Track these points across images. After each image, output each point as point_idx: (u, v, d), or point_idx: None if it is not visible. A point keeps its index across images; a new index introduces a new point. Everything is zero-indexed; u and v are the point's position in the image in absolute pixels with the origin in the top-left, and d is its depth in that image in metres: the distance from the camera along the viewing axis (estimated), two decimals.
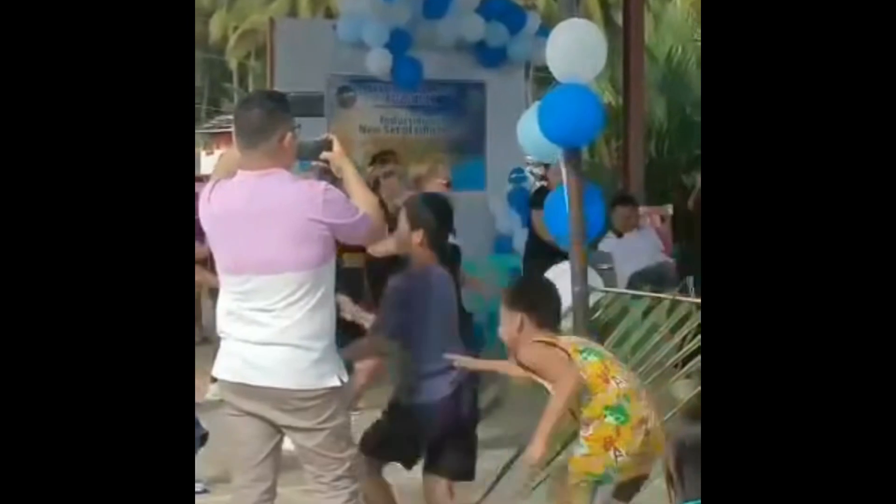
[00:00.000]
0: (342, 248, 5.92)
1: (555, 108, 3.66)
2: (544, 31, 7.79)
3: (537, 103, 3.77)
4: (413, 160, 7.49)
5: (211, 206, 3.37)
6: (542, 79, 9.86)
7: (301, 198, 3.31)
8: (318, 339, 3.35)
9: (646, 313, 4.02)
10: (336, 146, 3.52)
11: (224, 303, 3.38)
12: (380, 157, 7.38)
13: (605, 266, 8.61)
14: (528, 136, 3.83)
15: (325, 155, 3.50)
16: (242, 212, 3.29)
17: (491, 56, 9.50)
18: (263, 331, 3.31)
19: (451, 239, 5.73)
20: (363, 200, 3.45)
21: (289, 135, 3.38)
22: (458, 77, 9.60)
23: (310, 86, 8.72)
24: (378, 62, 8.73)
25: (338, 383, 3.37)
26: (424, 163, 5.83)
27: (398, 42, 8.75)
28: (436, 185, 5.68)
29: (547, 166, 8.38)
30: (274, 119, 3.36)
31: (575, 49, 3.68)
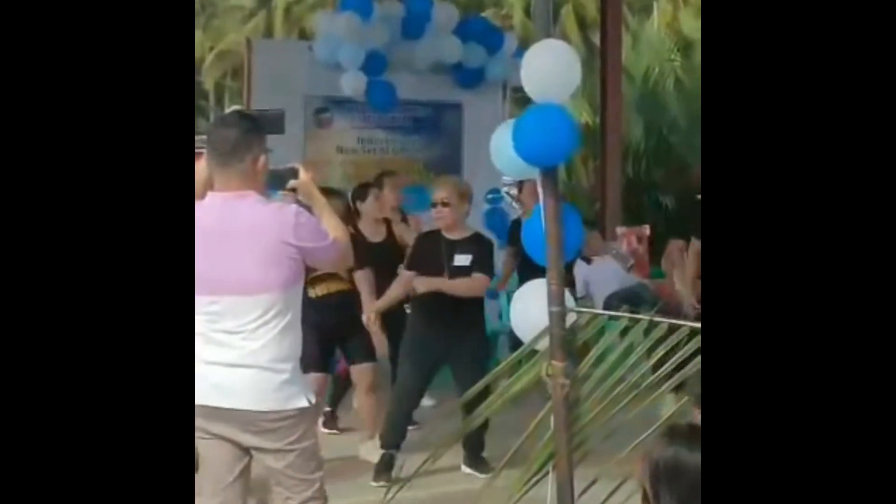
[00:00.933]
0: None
1: (528, 128, 3.67)
2: (521, 51, 7.83)
3: (509, 121, 3.78)
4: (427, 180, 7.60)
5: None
6: (520, 99, 9.91)
7: (273, 220, 3.32)
8: (286, 360, 3.36)
9: (623, 333, 4.03)
10: (303, 174, 3.53)
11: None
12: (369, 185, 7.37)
13: (628, 265, 8.74)
14: (501, 154, 3.84)
15: (292, 183, 3.52)
16: (214, 233, 3.29)
17: (468, 77, 9.55)
18: (232, 353, 3.31)
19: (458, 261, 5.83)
20: (333, 226, 3.47)
21: (262, 157, 3.39)
22: (435, 98, 9.65)
23: (286, 106, 8.71)
24: (352, 84, 8.75)
25: (306, 404, 3.38)
26: (445, 184, 5.88)
27: (373, 64, 8.79)
28: (461, 212, 5.78)
29: (521, 184, 8.41)
30: (248, 140, 3.37)
31: (549, 69, 3.69)
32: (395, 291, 5.96)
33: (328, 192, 6.34)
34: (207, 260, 3.27)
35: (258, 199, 3.39)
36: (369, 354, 6.21)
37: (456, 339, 5.71)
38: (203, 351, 3.32)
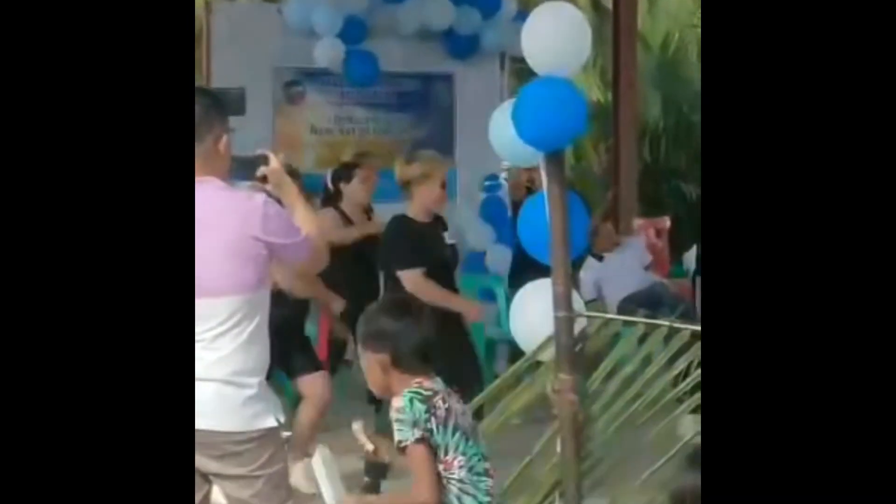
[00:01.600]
0: None
1: (530, 105, 3.64)
2: (522, 16, 7.82)
3: (512, 99, 3.76)
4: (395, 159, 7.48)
5: None
6: (521, 71, 9.91)
7: (237, 211, 3.30)
8: (252, 374, 3.35)
9: (640, 341, 4.02)
10: (273, 161, 3.51)
11: None
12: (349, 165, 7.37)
13: (645, 263, 8.76)
14: (501, 136, 3.82)
15: (261, 171, 3.50)
16: None
17: (461, 45, 9.54)
18: (209, 366, 3.29)
19: (447, 239, 5.78)
20: (306, 221, 3.45)
21: (224, 137, 3.38)
22: (423, 69, 9.64)
23: (252, 79, 8.72)
24: (328, 54, 8.72)
25: (274, 424, 3.36)
26: (416, 162, 5.76)
27: (352, 31, 8.76)
28: (429, 189, 5.65)
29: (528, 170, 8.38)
30: (208, 119, 3.36)
31: (555, 37, 3.67)
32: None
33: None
34: None
35: (220, 185, 3.37)
36: (315, 363, 6.21)
37: (444, 351, 5.67)
38: None
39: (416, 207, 5.70)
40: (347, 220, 7.04)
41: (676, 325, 3.80)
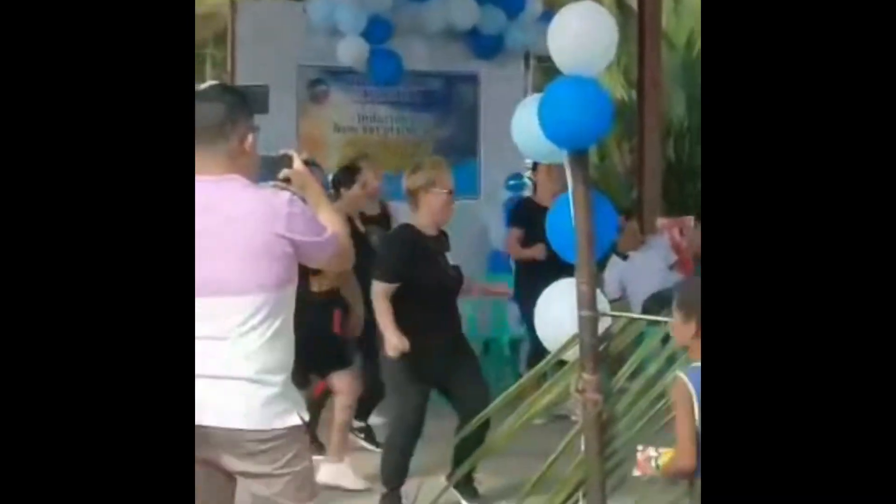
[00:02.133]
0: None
1: (555, 104, 3.65)
2: (547, 15, 7.81)
3: (535, 95, 3.76)
4: (402, 165, 7.40)
5: None
6: (545, 70, 9.89)
7: (261, 209, 3.31)
8: (276, 372, 3.35)
9: (664, 341, 4.01)
10: (297, 162, 3.52)
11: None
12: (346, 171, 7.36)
13: (670, 262, 8.73)
14: (524, 133, 3.82)
15: (284, 172, 3.51)
16: (203, 227, 3.27)
17: (485, 44, 9.53)
18: (214, 362, 3.30)
19: (450, 260, 5.70)
20: (331, 221, 3.46)
21: (250, 136, 3.38)
22: (447, 69, 9.64)
23: (276, 78, 8.75)
24: (351, 52, 8.73)
25: (298, 422, 3.37)
26: (421, 170, 5.65)
27: (376, 30, 8.77)
28: (436, 196, 5.55)
29: (535, 167, 8.32)
30: (234, 116, 3.37)
31: (580, 36, 3.67)
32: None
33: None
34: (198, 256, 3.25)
35: (245, 184, 3.38)
36: (344, 360, 6.23)
37: (452, 360, 5.62)
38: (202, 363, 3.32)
39: (424, 218, 5.55)
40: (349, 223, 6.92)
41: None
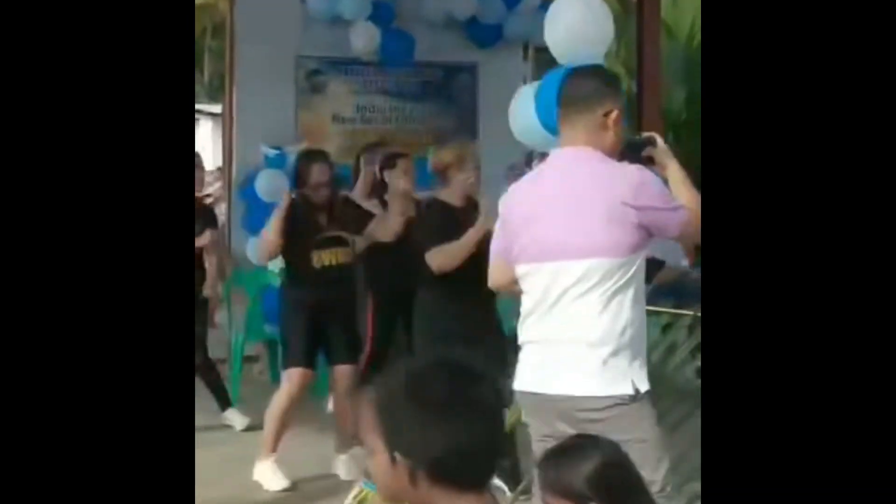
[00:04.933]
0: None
1: (553, 92, 3.66)
2: (545, 5, 7.81)
3: (533, 83, 3.77)
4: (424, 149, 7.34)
5: (521, 190, 3.56)
6: (544, 60, 9.89)
7: (610, 179, 3.37)
8: (612, 339, 3.33)
9: (664, 331, 4.03)
10: (660, 142, 3.59)
11: (526, 302, 3.48)
12: (369, 148, 7.37)
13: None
14: (521, 121, 3.83)
15: (648, 151, 3.57)
16: (555, 194, 3.41)
17: (484, 34, 9.53)
18: (544, 327, 3.33)
19: None
20: (688, 199, 3.50)
21: (615, 112, 3.42)
22: (445, 58, 9.63)
23: (275, 69, 8.75)
24: (363, 38, 8.72)
25: (632, 391, 3.33)
26: (449, 148, 5.72)
27: (380, 16, 8.77)
28: (467, 175, 5.64)
29: (531, 156, 8.31)
30: (600, 93, 3.48)
31: (577, 26, 3.68)
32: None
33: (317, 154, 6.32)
34: (544, 222, 3.38)
35: (601, 157, 3.45)
36: (352, 352, 6.20)
37: (477, 333, 5.66)
38: (534, 329, 3.43)
39: (453, 192, 5.70)
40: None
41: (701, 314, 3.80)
